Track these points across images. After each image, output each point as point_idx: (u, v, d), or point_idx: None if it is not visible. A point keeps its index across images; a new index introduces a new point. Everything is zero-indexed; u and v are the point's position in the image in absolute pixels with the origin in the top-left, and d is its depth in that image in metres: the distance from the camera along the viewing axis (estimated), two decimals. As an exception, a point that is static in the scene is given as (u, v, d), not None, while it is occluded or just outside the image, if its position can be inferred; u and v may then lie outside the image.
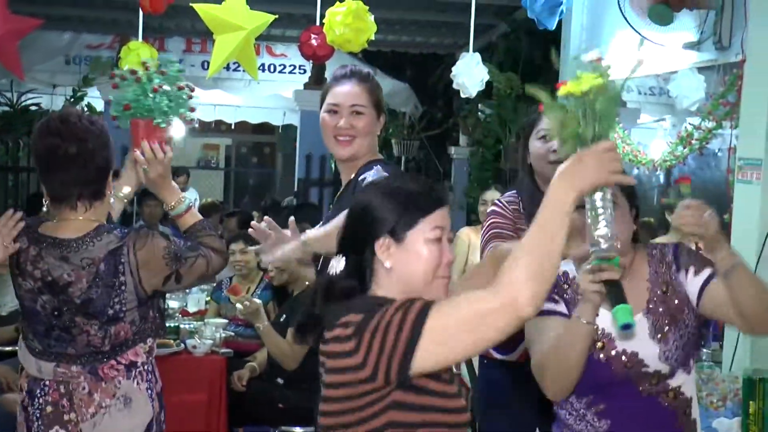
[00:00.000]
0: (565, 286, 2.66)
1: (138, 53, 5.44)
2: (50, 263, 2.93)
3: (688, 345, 2.62)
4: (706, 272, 2.62)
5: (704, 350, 4.59)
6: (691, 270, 2.63)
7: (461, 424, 2.12)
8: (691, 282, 2.63)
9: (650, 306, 2.61)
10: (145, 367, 3.05)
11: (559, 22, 5.80)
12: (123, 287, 2.93)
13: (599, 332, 2.57)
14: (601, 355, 2.57)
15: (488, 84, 5.85)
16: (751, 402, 3.36)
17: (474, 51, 5.41)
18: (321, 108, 3.22)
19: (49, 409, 2.95)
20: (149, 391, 3.06)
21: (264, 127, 14.08)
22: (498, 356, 3.50)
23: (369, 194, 2.22)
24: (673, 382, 2.61)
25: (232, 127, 12.88)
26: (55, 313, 2.94)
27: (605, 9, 6.19)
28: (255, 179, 17.24)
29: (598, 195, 2.18)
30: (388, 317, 1.99)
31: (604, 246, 2.22)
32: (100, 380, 2.96)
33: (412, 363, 1.97)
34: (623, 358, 2.57)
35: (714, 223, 2.49)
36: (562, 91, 2.18)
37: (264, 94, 11.24)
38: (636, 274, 2.64)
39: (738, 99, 4.71)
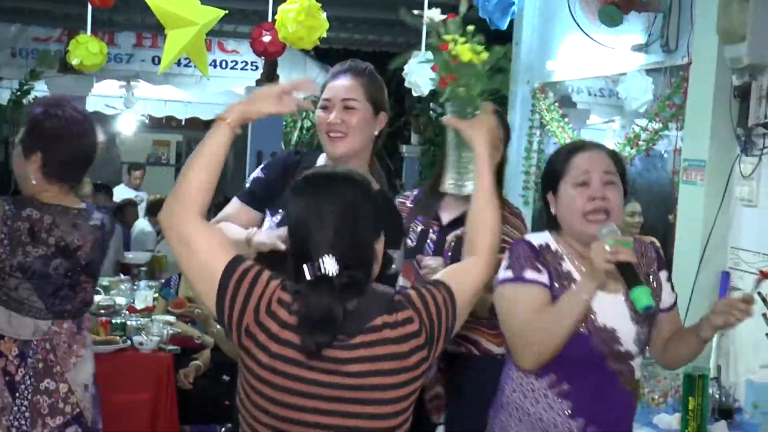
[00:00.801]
0: (548, 257, 2.69)
1: (87, 47, 5.40)
2: (64, 230, 3.36)
3: (649, 332, 2.74)
4: (674, 295, 2.86)
5: (648, 348, 4.64)
6: (670, 282, 2.85)
7: None
8: (667, 289, 2.83)
9: None
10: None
11: (511, 23, 5.84)
12: (107, 251, 3.60)
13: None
14: (584, 328, 2.60)
15: (439, 83, 5.85)
16: (690, 398, 3.41)
17: (426, 50, 5.42)
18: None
19: (41, 365, 3.33)
20: None
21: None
22: (456, 349, 3.49)
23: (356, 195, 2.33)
24: (633, 363, 2.69)
25: (183, 123, 12.77)
26: (68, 273, 3.38)
27: (556, 10, 6.24)
28: (205, 176, 17.08)
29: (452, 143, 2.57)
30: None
31: (449, 184, 2.67)
32: (78, 332, 3.44)
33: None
34: (603, 333, 2.63)
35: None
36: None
37: (216, 90, 11.15)
38: None
39: (684, 101, 4.78)
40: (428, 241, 3.49)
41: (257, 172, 3.11)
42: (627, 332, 2.65)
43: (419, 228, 3.53)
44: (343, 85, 3.01)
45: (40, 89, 10.42)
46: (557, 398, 2.63)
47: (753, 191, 4.29)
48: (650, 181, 6.26)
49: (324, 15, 4.74)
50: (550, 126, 6.20)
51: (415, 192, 3.68)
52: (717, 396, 3.70)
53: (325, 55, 11.44)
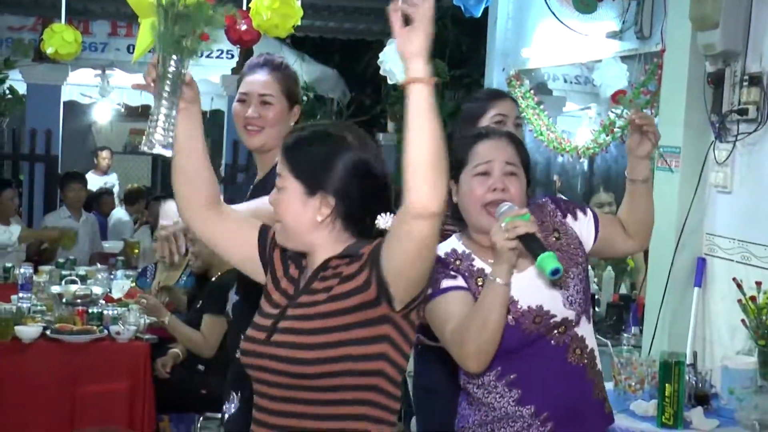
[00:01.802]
0: (458, 262, 2.65)
1: (61, 36, 5.37)
2: None
3: (586, 287, 2.67)
4: (589, 212, 2.77)
5: (624, 335, 4.68)
6: (577, 213, 2.74)
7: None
8: (579, 224, 2.73)
9: None
10: None
11: (485, 10, 5.85)
12: None
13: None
14: (510, 318, 2.54)
15: (415, 71, 5.85)
16: (667, 384, 3.43)
17: (401, 38, 5.41)
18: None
19: None
20: None
21: (191, 112, 13.93)
22: (430, 343, 3.52)
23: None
24: (579, 331, 2.63)
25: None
26: None
27: (531, -3, 6.26)
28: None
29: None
30: None
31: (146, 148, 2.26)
32: None
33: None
34: (531, 315, 2.58)
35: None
36: None
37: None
38: None
39: (658, 88, 4.80)
40: None
41: None
42: (553, 300, 2.60)
43: None
44: (259, 80, 3.14)
45: (15, 78, 10.35)
46: (506, 388, 2.61)
47: (727, 177, 4.32)
48: (626, 167, 6.28)
49: (298, 3, 4.72)
50: (526, 113, 6.20)
51: None
52: (693, 382, 3.71)
53: (301, 43, 11.43)
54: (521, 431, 2.60)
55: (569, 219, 2.72)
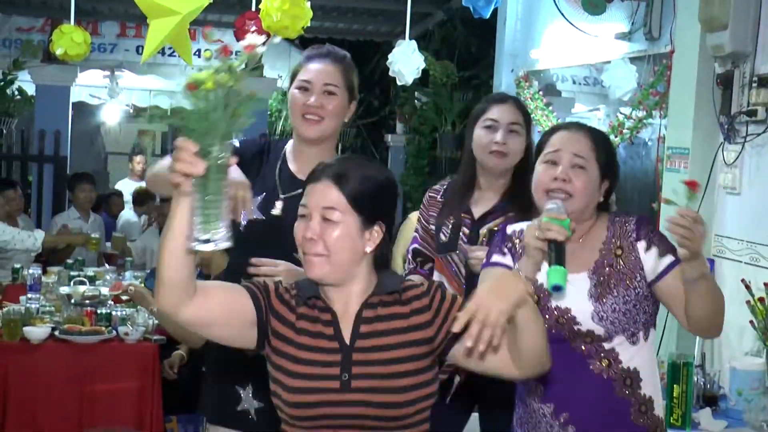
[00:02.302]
0: (517, 241, 2.69)
1: (71, 37, 5.38)
2: None
3: (632, 311, 2.61)
4: (669, 258, 2.62)
5: (633, 336, 4.67)
6: (653, 249, 2.62)
7: (292, 403, 2.18)
8: (649, 256, 2.63)
9: (597, 266, 2.63)
10: None
11: (495, 11, 5.85)
12: None
13: (536, 286, 2.56)
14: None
15: (425, 72, 5.88)
16: (675, 386, 3.43)
17: (410, 39, 5.43)
18: (291, 84, 3.09)
19: None
20: None
21: (200, 113, 13.95)
22: None
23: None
24: (607, 346, 2.61)
25: (168, 113, 12.74)
26: None
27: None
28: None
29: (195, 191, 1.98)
30: None
31: (193, 245, 1.98)
32: None
33: None
34: (555, 312, 2.61)
35: (703, 240, 2.48)
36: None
37: (200, 79, 11.12)
38: (592, 238, 2.67)
39: (667, 89, 4.79)
40: (461, 235, 3.44)
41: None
42: (583, 311, 2.60)
43: (451, 222, 3.48)
44: (324, 69, 3.03)
45: (24, 79, 10.38)
46: (535, 383, 2.64)
47: (736, 179, 4.31)
48: (634, 168, 6.29)
49: (308, 4, 4.73)
50: (535, 114, 6.21)
51: (445, 185, 3.62)
52: (701, 383, 3.72)
53: (309, 44, 11.40)
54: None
55: (641, 245, 2.64)
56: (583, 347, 2.62)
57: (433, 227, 3.53)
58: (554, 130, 2.78)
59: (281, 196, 3.00)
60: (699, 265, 2.52)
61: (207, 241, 1.96)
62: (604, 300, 2.60)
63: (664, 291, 2.63)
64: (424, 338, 2.17)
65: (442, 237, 3.46)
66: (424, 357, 2.17)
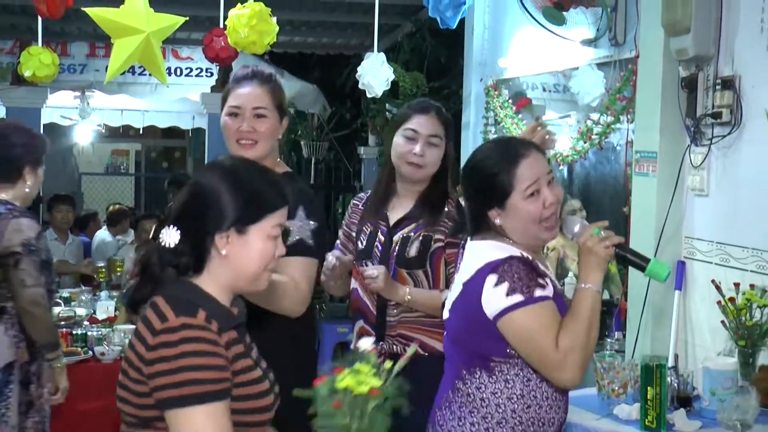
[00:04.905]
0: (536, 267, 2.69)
1: (39, 58, 5.37)
2: None
3: None
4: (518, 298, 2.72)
5: (608, 340, 4.70)
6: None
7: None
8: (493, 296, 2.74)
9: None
10: (12, 321, 3.98)
11: (462, 21, 5.88)
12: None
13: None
14: None
15: (394, 83, 5.90)
16: (649, 388, 3.45)
17: (379, 51, 5.46)
18: (222, 110, 3.15)
19: None
20: (13, 340, 3.98)
21: (173, 132, 13.95)
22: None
23: (216, 180, 2.20)
24: None
25: (141, 131, 12.73)
26: None
27: (507, 8, 6.29)
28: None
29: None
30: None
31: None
32: None
33: None
34: None
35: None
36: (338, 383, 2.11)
37: (171, 98, 11.12)
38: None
39: (633, 94, 4.83)
40: (376, 242, 3.51)
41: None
42: None
43: (369, 230, 3.56)
44: (251, 92, 3.10)
45: (-7, 102, 10.33)
46: (560, 395, 2.69)
47: (704, 181, 4.35)
48: (604, 174, 6.32)
49: (274, 19, 4.75)
50: (505, 123, 6.24)
51: (368, 194, 3.71)
52: (675, 384, 3.74)
53: (279, 59, 11.46)
54: None
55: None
56: None
57: (354, 234, 3.62)
58: (511, 163, 2.67)
59: None
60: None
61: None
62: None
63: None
64: None
65: (359, 244, 3.54)
66: None
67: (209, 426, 2.01)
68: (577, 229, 2.57)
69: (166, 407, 2.03)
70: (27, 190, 4.05)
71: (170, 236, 2.17)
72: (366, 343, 2.24)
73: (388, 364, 2.16)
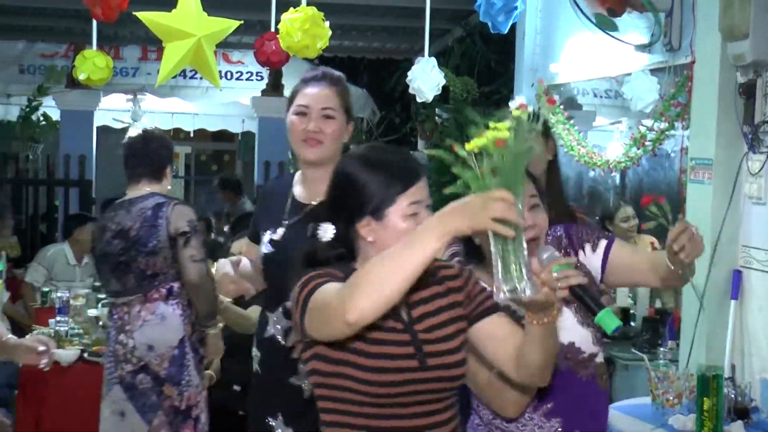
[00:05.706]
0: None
1: (93, 61, 5.41)
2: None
3: None
4: (603, 243, 2.70)
5: (661, 349, 4.65)
6: (588, 247, 2.70)
7: (373, 382, 2.17)
8: (591, 258, 2.69)
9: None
10: (180, 300, 4.41)
11: (513, 26, 5.84)
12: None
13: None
14: None
15: (445, 88, 5.87)
16: (705, 398, 3.40)
17: (430, 56, 5.43)
18: (288, 110, 3.09)
19: (119, 322, 4.39)
20: (182, 317, 4.40)
21: (223, 135, 14.03)
22: None
23: (352, 169, 2.26)
24: (597, 359, 2.68)
25: (191, 134, 12.82)
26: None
27: (559, 13, 6.25)
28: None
29: (492, 241, 2.02)
30: (297, 290, 2.19)
31: (501, 297, 2.05)
32: (145, 302, 4.37)
33: (305, 330, 2.18)
34: (563, 352, 2.57)
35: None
36: (468, 146, 2.00)
37: (222, 101, 11.20)
38: None
39: (688, 100, 4.77)
40: None
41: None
42: (585, 338, 2.62)
43: None
44: (320, 93, 3.07)
45: (48, 105, 10.48)
46: (543, 419, 2.59)
47: (762, 188, 4.28)
48: (657, 180, 6.26)
49: (327, 23, 4.74)
50: (556, 129, 6.20)
51: None
52: (732, 395, 3.68)
53: (329, 63, 11.46)
54: None
55: (581, 255, 2.70)
56: (586, 372, 2.65)
57: None
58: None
59: (284, 222, 3.06)
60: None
61: (514, 290, 2.03)
62: (591, 323, 2.58)
63: (613, 274, 2.69)
64: (462, 316, 2.29)
65: None
66: (463, 332, 2.29)
67: None
68: (545, 257, 2.36)
69: None
70: (168, 186, 4.69)
71: (326, 231, 2.28)
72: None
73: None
